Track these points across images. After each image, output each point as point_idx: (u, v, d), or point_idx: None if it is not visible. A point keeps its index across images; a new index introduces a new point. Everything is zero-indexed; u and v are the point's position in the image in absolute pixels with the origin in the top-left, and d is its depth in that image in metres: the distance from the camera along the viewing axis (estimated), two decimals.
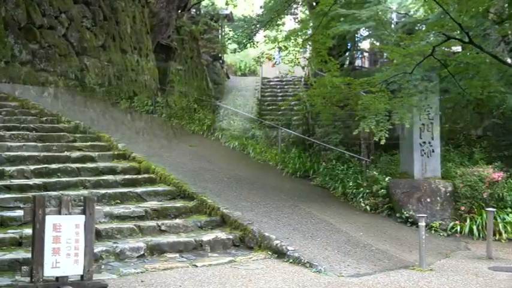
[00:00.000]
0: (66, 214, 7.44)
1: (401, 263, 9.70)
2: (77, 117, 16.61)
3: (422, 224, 9.47)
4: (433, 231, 11.93)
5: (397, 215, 12.28)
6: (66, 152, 13.95)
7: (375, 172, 12.87)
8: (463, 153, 14.14)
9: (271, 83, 26.45)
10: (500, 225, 11.65)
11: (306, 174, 14.70)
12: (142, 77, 20.32)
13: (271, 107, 16.97)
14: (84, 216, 7.53)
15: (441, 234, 11.87)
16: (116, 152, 14.49)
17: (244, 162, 15.39)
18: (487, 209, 10.93)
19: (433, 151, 12.71)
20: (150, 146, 15.23)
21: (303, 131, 15.38)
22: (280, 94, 22.95)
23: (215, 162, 14.80)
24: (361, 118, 12.19)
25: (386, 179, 12.60)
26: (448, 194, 12.26)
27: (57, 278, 7.36)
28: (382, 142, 11.56)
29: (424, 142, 12.69)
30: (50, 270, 7.29)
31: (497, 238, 11.58)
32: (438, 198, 12.22)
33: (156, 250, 9.80)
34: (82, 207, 7.62)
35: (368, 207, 12.61)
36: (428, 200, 12.19)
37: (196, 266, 9.25)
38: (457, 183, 12.30)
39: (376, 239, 10.89)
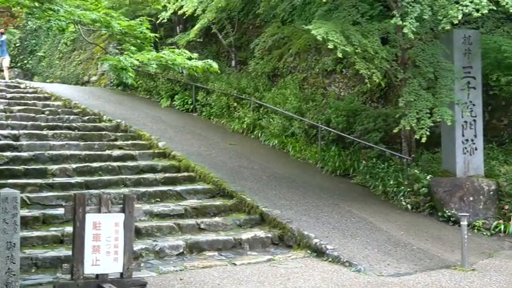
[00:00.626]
0: (105, 212, 7.54)
1: (443, 263, 9.55)
2: (118, 117, 16.81)
3: (464, 223, 9.30)
4: (475, 231, 11.68)
5: (439, 214, 12.07)
6: (107, 150, 14.13)
7: (416, 170, 12.66)
8: (508, 150, 13.80)
9: None
10: None
11: (346, 173, 14.53)
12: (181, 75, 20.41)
13: (310, 104, 16.78)
14: (123, 214, 7.62)
15: (484, 233, 11.62)
16: (156, 151, 14.62)
17: (283, 161, 15.32)
18: None
19: (476, 149, 12.44)
20: (190, 144, 15.29)
21: (342, 129, 15.20)
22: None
23: (255, 161, 14.78)
24: (401, 115, 12.02)
25: (428, 177, 12.37)
26: (491, 192, 12.00)
27: (97, 275, 7.46)
28: (423, 140, 11.37)
29: (467, 140, 12.43)
30: (90, 268, 7.39)
31: None
32: (481, 197, 11.97)
33: (195, 248, 9.87)
34: (121, 206, 7.70)
35: (409, 206, 12.42)
36: (471, 198, 11.94)
37: (235, 265, 9.28)
38: (501, 181, 12.04)
39: (417, 238, 10.74)
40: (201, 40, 21.01)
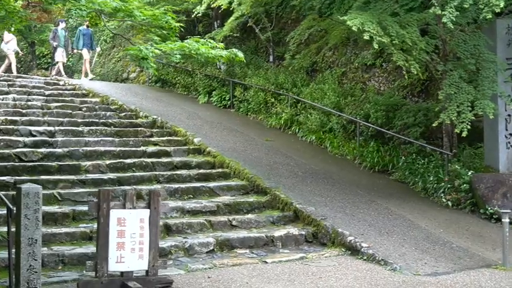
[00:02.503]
0: (130, 208, 7.35)
1: (484, 262, 9.13)
2: (154, 113, 16.71)
3: (506, 220, 8.87)
4: None
5: (481, 211, 11.59)
6: (142, 146, 14.04)
7: (457, 166, 12.20)
8: None
9: None
10: None
11: (384, 169, 14.13)
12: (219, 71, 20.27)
13: (349, 99, 16.43)
14: (148, 210, 7.43)
15: None
16: (191, 147, 14.47)
17: (320, 157, 15.00)
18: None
19: None
20: (225, 140, 15.10)
21: (381, 124, 14.79)
22: None
23: (291, 157, 14.50)
24: (441, 109, 11.59)
25: (469, 173, 11.90)
26: None
27: (121, 273, 7.30)
28: (464, 134, 10.93)
29: (511, 134, 11.94)
30: (114, 265, 7.24)
31: None
32: None
33: (226, 246, 9.66)
34: (147, 202, 7.52)
35: (449, 203, 11.98)
36: None
37: (266, 262, 9.04)
38: None
39: (457, 236, 10.32)
40: (239, 35, 20.73)
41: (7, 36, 22.19)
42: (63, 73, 21.82)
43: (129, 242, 7.28)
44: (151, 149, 13.90)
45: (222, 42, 18.91)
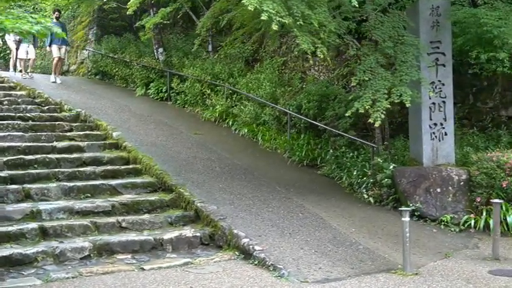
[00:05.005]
0: None
1: (386, 266, 8.22)
2: (81, 106, 15.73)
3: (406, 218, 7.98)
4: (442, 226, 10.29)
5: (403, 207, 10.69)
6: (55, 142, 13.05)
7: (379, 159, 11.29)
8: (490, 136, 12.34)
9: None
10: None
11: (314, 163, 13.24)
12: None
13: (286, 89, 15.51)
14: None
15: (452, 229, 10.21)
16: (108, 142, 13.52)
17: (249, 151, 14.07)
18: (493, 200, 9.22)
19: (446, 134, 10.98)
20: (148, 134, 14.16)
21: (314, 115, 13.87)
22: None
23: (215, 151, 13.57)
24: (355, 97, 10.68)
25: (391, 166, 11.00)
26: (462, 183, 10.54)
27: None
28: (377, 124, 9.99)
29: (435, 124, 10.97)
30: None
31: None
32: (450, 188, 10.53)
33: (106, 251, 8.69)
34: None
35: (371, 199, 11.10)
36: (439, 190, 10.53)
37: (143, 269, 8.09)
38: (472, 170, 10.57)
39: (368, 236, 9.43)
40: (178, 23, 19.74)
41: None
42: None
43: None
44: (62, 144, 12.90)
45: (155, 30, 18.04)
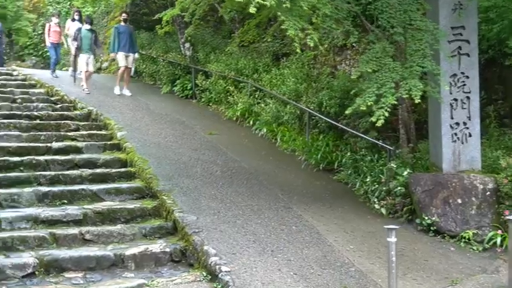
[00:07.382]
0: None
1: None
2: (95, 104, 14.92)
3: (391, 239, 6.48)
4: (462, 244, 8.71)
5: (417, 221, 9.19)
6: (54, 142, 12.17)
7: (392, 164, 9.81)
8: None
9: None
10: None
11: (331, 167, 11.83)
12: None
13: (313, 85, 14.14)
14: None
15: (474, 248, 8.61)
16: (110, 142, 12.57)
17: (263, 153, 12.79)
18: (508, 217, 7.57)
19: (470, 135, 9.34)
20: (156, 134, 13.15)
21: (335, 114, 12.47)
22: None
23: (225, 153, 12.37)
24: (358, 92, 9.24)
25: (405, 172, 9.50)
26: (488, 193, 8.90)
27: None
28: (379, 123, 8.49)
29: (457, 123, 9.32)
30: None
31: None
32: (473, 198, 8.92)
33: (54, 268, 7.64)
34: None
35: (383, 210, 9.63)
36: (459, 201, 8.94)
37: None
38: (500, 178, 8.94)
39: (366, 256, 8.02)
40: (206, 17, 18.61)
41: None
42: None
43: None
44: (58, 144, 12.01)
45: (180, 24, 16.98)
